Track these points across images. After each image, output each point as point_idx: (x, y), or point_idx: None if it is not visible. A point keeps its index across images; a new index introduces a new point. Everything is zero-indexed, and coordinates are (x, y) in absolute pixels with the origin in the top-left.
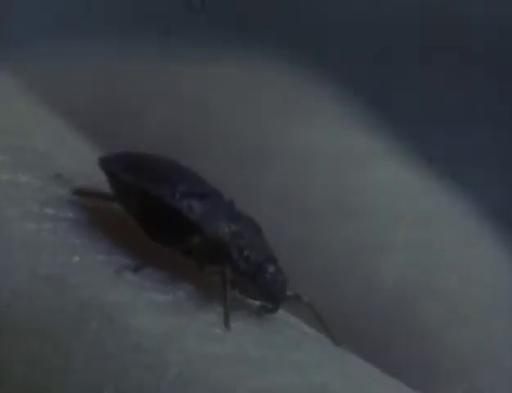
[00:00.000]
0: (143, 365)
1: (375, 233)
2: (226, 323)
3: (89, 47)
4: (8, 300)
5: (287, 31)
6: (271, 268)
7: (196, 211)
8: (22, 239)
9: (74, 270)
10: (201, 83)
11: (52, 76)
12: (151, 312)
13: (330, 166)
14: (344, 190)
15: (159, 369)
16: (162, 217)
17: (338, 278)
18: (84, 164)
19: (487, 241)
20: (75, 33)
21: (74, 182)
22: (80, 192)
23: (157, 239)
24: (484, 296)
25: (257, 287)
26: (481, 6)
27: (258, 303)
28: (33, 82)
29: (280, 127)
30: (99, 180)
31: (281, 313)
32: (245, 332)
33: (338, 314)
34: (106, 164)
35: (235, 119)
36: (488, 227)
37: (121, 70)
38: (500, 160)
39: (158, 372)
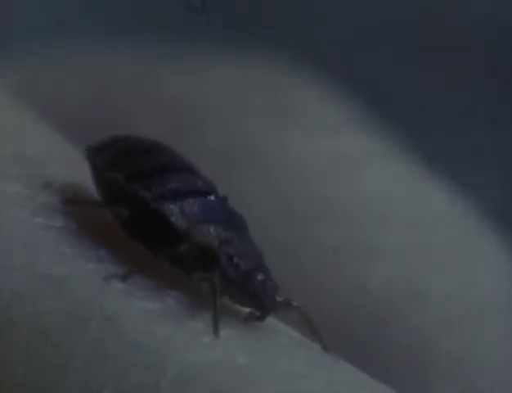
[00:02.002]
0: (143, 365)
1: (373, 234)
2: (216, 331)
3: (89, 47)
4: (8, 300)
5: (287, 31)
6: (260, 276)
7: (185, 216)
8: (22, 240)
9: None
10: (201, 83)
11: (52, 76)
12: (140, 320)
13: (328, 167)
14: (343, 191)
15: (158, 369)
16: (148, 219)
17: (328, 282)
18: (73, 172)
19: (486, 241)
20: (75, 33)
21: (63, 190)
22: (69, 201)
23: (144, 244)
24: (484, 296)
25: (246, 295)
26: (481, 7)
27: (246, 310)
28: (33, 82)
29: (279, 127)
30: (88, 188)
31: (270, 320)
32: (234, 340)
33: (327, 319)
34: (92, 157)
35: (235, 119)
36: (488, 227)
37: (121, 70)
38: (500, 160)
39: (158, 372)
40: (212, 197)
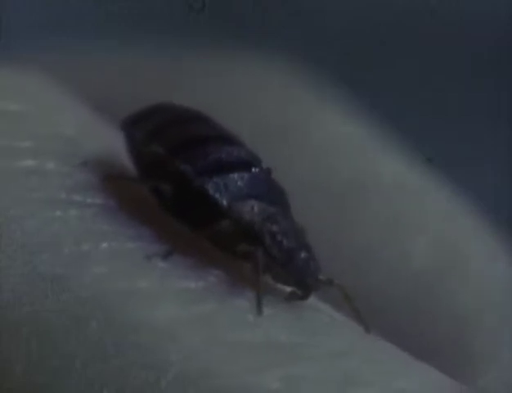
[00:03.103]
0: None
1: (373, 233)
2: (258, 309)
3: (89, 47)
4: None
5: (289, 31)
6: (303, 255)
7: (228, 192)
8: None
9: (102, 256)
10: (201, 84)
11: (53, 75)
12: (182, 299)
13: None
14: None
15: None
16: (189, 195)
17: (362, 263)
18: (111, 149)
19: (486, 240)
20: (75, 32)
21: (100, 168)
22: (108, 178)
23: (183, 221)
24: (482, 296)
25: (288, 274)
26: (481, 6)
27: (288, 288)
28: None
29: (282, 126)
30: (125, 164)
31: (311, 300)
32: (276, 318)
33: (365, 301)
34: (129, 129)
35: (242, 118)
36: (488, 226)
37: (121, 70)
38: (500, 160)
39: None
40: (255, 170)
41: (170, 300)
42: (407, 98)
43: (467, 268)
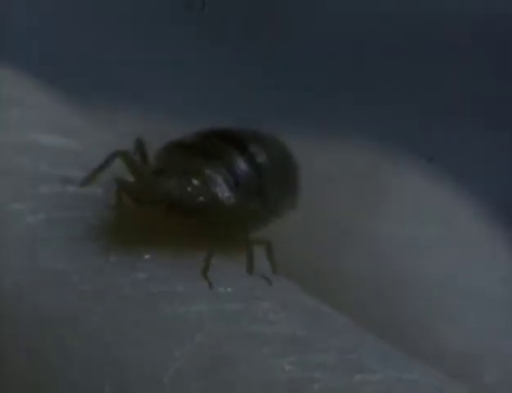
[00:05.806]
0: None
1: (371, 226)
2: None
3: (89, 47)
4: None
5: (291, 30)
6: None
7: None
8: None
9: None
10: None
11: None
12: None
13: None
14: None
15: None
16: None
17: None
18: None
19: (488, 239)
20: (75, 32)
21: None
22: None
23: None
24: (484, 294)
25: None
26: (481, 6)
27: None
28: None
29: None
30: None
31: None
32: (293, 315)
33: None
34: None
35: None
36: (489, 226)
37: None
38: (500, 160)
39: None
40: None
41: (172, 298)
42: (408, 98)
43: (440, 280)
